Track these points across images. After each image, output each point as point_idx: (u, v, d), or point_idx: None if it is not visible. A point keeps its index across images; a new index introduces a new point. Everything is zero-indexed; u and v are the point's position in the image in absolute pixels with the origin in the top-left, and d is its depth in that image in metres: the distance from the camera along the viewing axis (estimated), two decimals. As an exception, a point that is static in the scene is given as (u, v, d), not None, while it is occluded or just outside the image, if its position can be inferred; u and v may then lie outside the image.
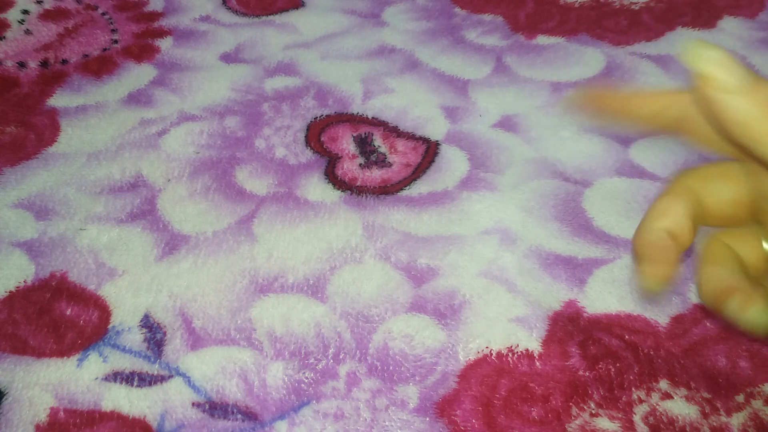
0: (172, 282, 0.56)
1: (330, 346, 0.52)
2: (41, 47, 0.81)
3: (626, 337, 0.52)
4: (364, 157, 0.67)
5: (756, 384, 0.49)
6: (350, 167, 0.66)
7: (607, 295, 0.55)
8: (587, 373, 0.50)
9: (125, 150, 0.68)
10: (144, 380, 0.50)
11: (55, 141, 0.69)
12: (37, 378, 0.50)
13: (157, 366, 0.51)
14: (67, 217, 0.61)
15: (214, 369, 0.50)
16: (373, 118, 0.72)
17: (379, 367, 0.50)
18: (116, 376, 0.50)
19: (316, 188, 0.64)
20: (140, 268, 0.57)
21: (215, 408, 0.48)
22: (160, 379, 0.50)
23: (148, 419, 0.48)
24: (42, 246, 0.59)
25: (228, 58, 0.80)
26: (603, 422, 0.47)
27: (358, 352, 0.51)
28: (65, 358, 0.51)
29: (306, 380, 0.50)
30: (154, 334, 0.52)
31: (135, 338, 0.52)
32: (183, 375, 0.50)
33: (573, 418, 0.48)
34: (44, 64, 0.79)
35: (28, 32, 0.84)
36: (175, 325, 0.53)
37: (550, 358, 0.51)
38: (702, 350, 0.51)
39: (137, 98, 0.74)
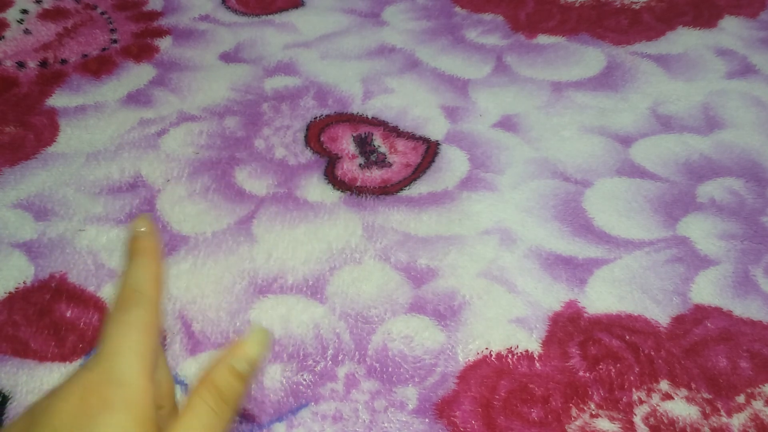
0: (172, 283, 0.56)
1: (329, 348, 0.52)
2: (40, 47, 0.81)
3: (627, 337, 0.52)
4: (364, 157, 0.67)
5: (756, 384, 0.49)
6: (350, 167, 0.66)
7: (608, 295, 0.55)
8: (587, 374, 0.50)
9: (124, 150, 0.68)
10: (143, 382, 0.50)
11: (54, 141, 0.69)
12: (40, 383, 0.50)
13: (156, 367, 0.50)
14: (66, 217, 0.61)
15: (213, 370, 0.50)
16: (373, 118, 0.71)
17: (378, 369, 0.50)
18: (115, 378, 0.50)
19: (316, 188, 0.64)
20: (139, 269, 0.57)
21: (214, 409, 0.48)
22: (160, 380, 0.50)
23: (147, 421, 0.48)
24: (41, 247, 0.58)
25: (227, 57, 0.80)
26: (603, 423, 0.47)
27: (357, 353, 0.51)
28: (67, 363, 0.51)
29: (304, 382, 0.50)
30: (153, 335, 0.52)
31: (134, 339, 0.52)
32: (181, 383, 0.50)
33: (573, 419, 0.47)
34: (43, 63, 0.79)
35: (27, 32, 0.84)
36: (174, 329, 0.53)
37: (550, 359, 0.51)
38: (702, 351, 0.51)
39: (136, 98, 0.74)
